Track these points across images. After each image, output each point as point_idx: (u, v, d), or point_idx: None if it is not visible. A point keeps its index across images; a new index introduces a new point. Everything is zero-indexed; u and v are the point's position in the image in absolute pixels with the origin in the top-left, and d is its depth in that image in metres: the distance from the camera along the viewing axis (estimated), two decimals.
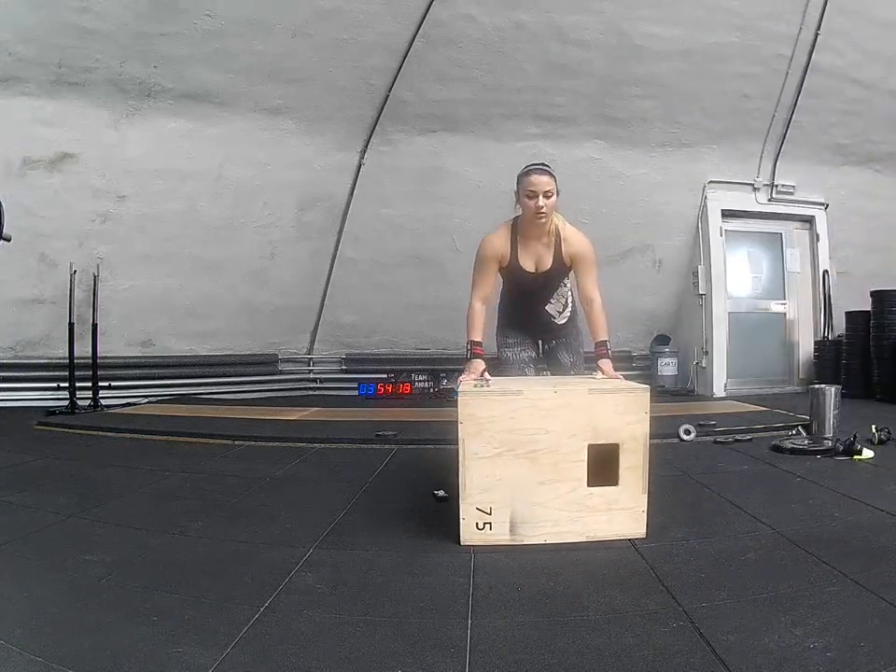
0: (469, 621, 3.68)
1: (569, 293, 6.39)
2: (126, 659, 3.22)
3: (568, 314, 6.43)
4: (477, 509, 4.85)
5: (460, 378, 5.78)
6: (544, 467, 4.86)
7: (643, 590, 4.08)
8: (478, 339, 6.03)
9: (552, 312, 6.31)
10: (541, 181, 5.70)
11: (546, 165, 5.87)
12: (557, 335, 6.49)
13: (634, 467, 4.91)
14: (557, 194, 5.79)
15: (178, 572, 4.43)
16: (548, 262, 6.01)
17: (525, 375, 6.37)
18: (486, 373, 5.76)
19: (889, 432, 8.29)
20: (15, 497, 6.33)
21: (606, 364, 5.89)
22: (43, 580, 4.24)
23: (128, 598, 3.98)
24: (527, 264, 6.03)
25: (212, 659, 3.22)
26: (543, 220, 5.80)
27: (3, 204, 7.37)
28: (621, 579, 4.26)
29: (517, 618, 3.74)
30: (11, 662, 3.15)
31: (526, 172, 5.81)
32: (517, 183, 5.88)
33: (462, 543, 4.83)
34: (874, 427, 8.34)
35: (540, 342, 6.56)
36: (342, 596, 4.06)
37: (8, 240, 7.55)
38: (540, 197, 5.68)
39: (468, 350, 6.01)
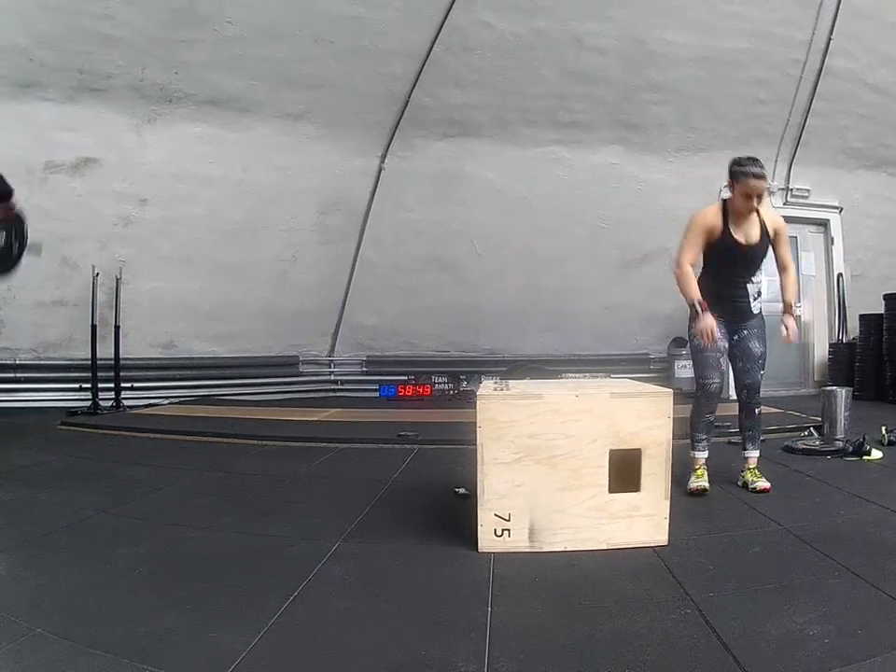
0: (490, 608, 3.83)
1: (761, 284, 6.65)
2: (161, 644, 3.38)
3: (760, 306, 6.68)
4: (495, 515, 4.80)
5: (697, 328, 6.19)
6: (565, 472, 4.80)
7: (654, 580, 4.24)
8: (698, 295, 6.23)
9: (752, 292, 6.55)
10: (761, 186, 6.05)
11: (762, 166, 6.12)
12: (750, 323, 6.66)
13: (656, 473, 4.88)
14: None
15: (209, 564, 4.58)
16: (756, 235, 6.31)
17: (719, 365, 6.60)
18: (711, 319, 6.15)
19: None
20: (45, 494, 6.51)
21: (790, 320, 6.57)
22: (78, 571, 4.41)
23: (161, 588, 4.14)
24: (739, 236, 6.28)
25: (245, 643, 3.37)
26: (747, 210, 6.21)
27: (25, 219, 7.33)
28: (633, 570, 4.41)
29: (534, 605, 3.89)
30: (50, 648, 3.30)
31: (748, 173, 6.05)
32: (733, 175, 6.16)
33: (480, 550, 4.79)
34: (883, 428, 8.44)
35: (735, 328, 6.68)
36: (367, 586, 4.21)
37: (39, 251, 7.59)
38: (755, 198, 6.08)
39: (697, 306, 6.20)
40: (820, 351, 15.64)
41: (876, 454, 7.74)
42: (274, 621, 3.66)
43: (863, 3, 12.57)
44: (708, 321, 6.02)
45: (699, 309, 6.10)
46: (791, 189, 15.17)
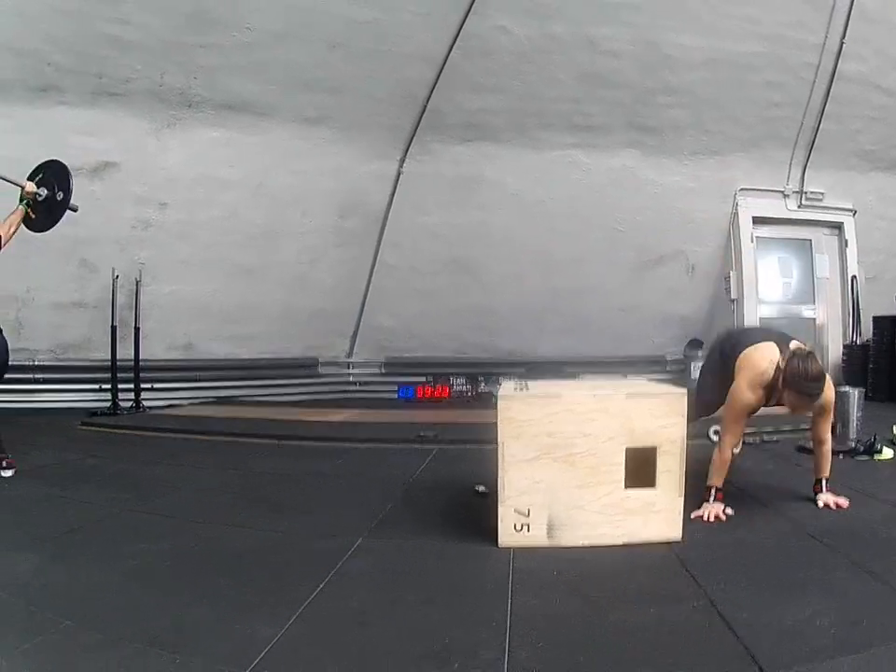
0: (510, 600, 3.95)
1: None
2: (190, 635, 3.51)
3: None
4: (515, 511, 4.91)
5: (704, 511, 5.69)
6: (582, 470, 4.91)
7: (668, 574, 4.36)
8: (719, 484, 5.84)
9: None
10: (809, 405, 5.69)
11: (821, 389, 5.61)
12: None
13: (671, 470, 4.97)
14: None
15: (235, 559, 4.71)
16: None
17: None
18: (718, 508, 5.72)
19: None
20: (69, 492, 6.63)
21: (828, 498, 5.89)
22: (105, 566, 4.52)
23: (188, 582, 4.27)
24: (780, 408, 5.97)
25: (274, 632, 3.50)
26: None
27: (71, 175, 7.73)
28: (648, 564, 4.53)
29: (553, 597, 4.02)
30: (80, 640, 3.42)
31: (804, 392, 5.53)
32: (791, 385, 5.53)
33: (500, 545, 4.89)
34: (895, 427, 8.54)
35: None
36: (391, 580, 4.33)
37: (76, 210, 7.86)
38: (804, 410, 5.80)
39: (712, 493, 5.78)
40: (834, 353, 15.64)
41: (888, 453, 7.83)
42: (301, 611, 3.78)
43: (874, 6, 12.59)
44: (716, 509, 5.70)
45: (712, 496, 5.79)
46: (806, 192, 15.20)
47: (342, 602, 3.94)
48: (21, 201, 7.48)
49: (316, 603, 3.92)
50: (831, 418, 6.03)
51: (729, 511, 5.67)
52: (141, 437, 10.15)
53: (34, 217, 7.58)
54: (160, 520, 5.66)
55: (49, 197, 7.59)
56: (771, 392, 5.76)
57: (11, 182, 7.53)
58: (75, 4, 10.80)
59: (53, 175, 7.70)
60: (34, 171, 7.76)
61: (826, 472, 6.03)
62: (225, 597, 4.00)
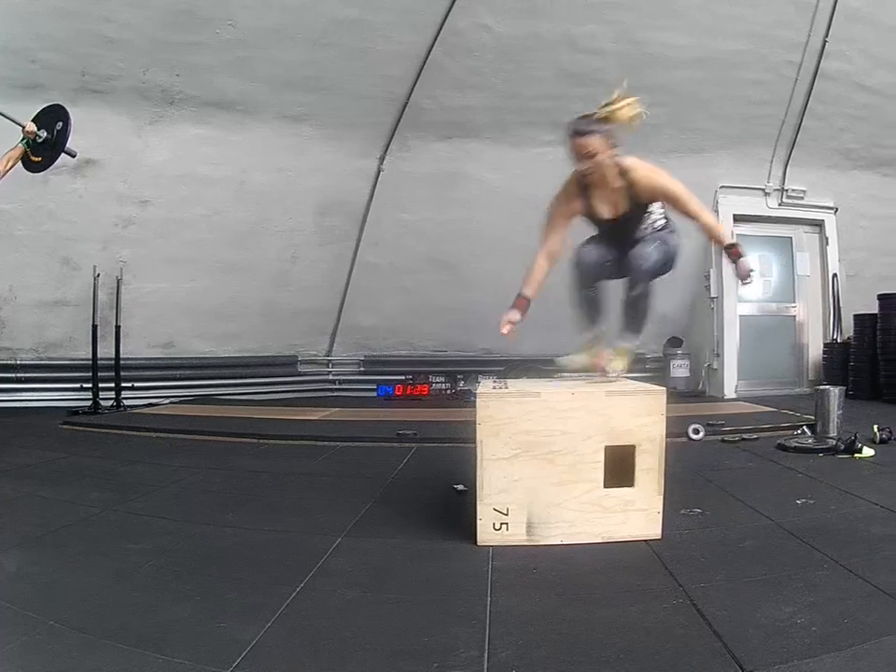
0: (489, 598, 3.96)
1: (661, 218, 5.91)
2: (173, 634, 3.49)
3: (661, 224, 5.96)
4: (494, 509, 4.92)
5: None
6: (561, 468, 4.91)
7: (647, 572, 4.36)
8: (526, 292, 5.99)
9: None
10: (577, 145, 5.46)
11: (583, 124, 5.48)
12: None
13: (650, 468, 4.96)
14: (611, 146, 5.50)
15: (217, 558, 4.70)
16: (624, 206, 5.75)
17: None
18: (514, 317, 5.89)
19: (890, 432, 8.47)
20: (52, 491, 6.61)
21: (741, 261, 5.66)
22: (89, 565, 4.50)
23: (171, 581, 4.26)
24: (604, 211, 5.84)
25: (254, 632, 3.49)
26: (595, 175, 5.60)
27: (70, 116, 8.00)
28: (627, 562, 4.53)
29: (532, 595, 4.02)
30: (64, 640, 3.40)
31: (568, 133, 5.50)
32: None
33: (479, 544, 4.89)
34: (875, 426, 8.53)
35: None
36: (371, 578, 4.33)
37: (74, 156, 8.19)
38: (582, 160, 5.50)
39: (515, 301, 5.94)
40: (815, 351, 15.68)
41: (868, 451, 7.83)
42: (282, 611, 3.78)
43: (858, 5, 12.61)
44: (507, 316, 5.85)
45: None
46: (787, 190, 15.22)
47: (322, 602, 3.94)
48: (21, 140, 7.64)
49: (298, 602, 3.92)
50: (685, 200, 5.64)
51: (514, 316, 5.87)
52: (122, 436, 10.12)
53: (34, 159, 7.80)
54: (142, 519, 5.66)
55: (49, 139, 7.79)
56: (576, 185, 5.81)
57: (12, 120, 7.71)
58: (62, 2, 10.79)
59: (55, 118, 7.91)
60: (37, 114, 7.93)
61: (727, 239, 5.88)
62: (208, 596, 4.00)
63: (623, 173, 5.62)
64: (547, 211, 6.06)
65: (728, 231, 5.45)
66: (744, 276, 5.69)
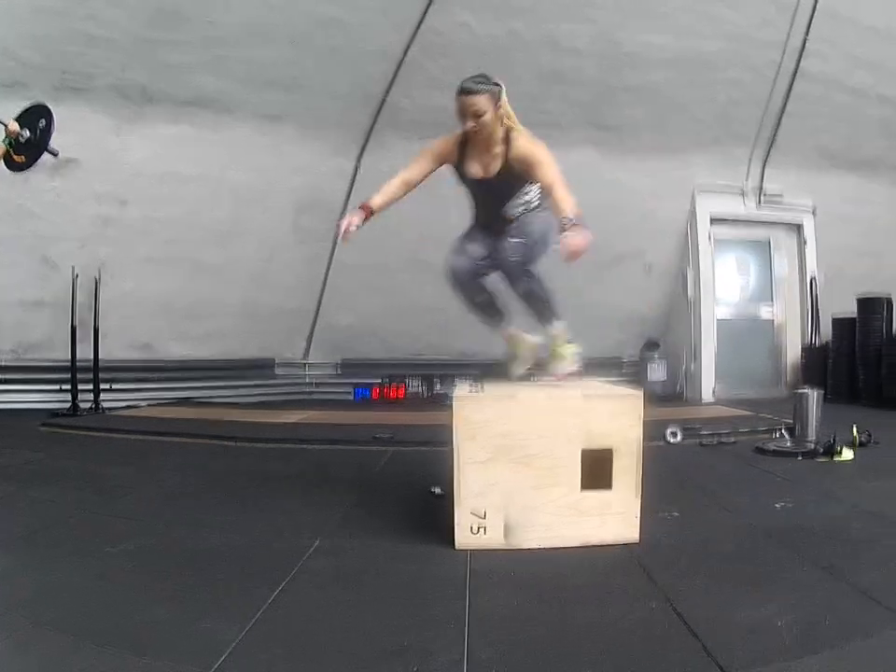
0: (467, 601, 3.94)
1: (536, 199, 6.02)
2: (153, 635, 3.46)
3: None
4: (471, 513, 4.90)
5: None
6: (538, 471, 4.89)
7: (625, 574, 4.34)
8: (373, 202, 5.95)
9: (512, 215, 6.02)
10: (465, 103, 5.52)
11: (477, 82, 5.56)
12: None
13: (627, 472, 4.94)
14: (498, 108, 5.58)
15: (197, 559, 4.67)
16: (495, 168, 5.81)
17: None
18: (355, 220, 5.80)
19: (869, 434, 8.51)
20: (32, 492, 6.57)
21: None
22: (69, 567, 4.47)
23: (152, 582, 4.23)
24: (474, 169, 5.93)
25: (235, 633, 3.47)
26: (480, 135, 5.69)
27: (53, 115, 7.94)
28: (605, 565, 4.52)
29: (511, 598, 4.00)
30: (44, 641, 3.37)
31: (457, 92, 5.54)
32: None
33: (457, 547, 4.87)
34: (854, 429, 8.53)
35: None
36: (349, 581, 4.30)
37: (56, 154, 8.06)
38: (469, 118, 5.56)
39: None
40: (793, 353, 15.74)
41: (847, 454, 7.84)
42: (262, 611, 3.77)
43: (838, 6, 12.67)
44: (351, 219, 5.77)
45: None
46: (765, 191, 15.27)
47: (301, 604, 3.92)
48: (3, 139, 7.65)
49: (277, 603, 3.91)
50: (545, 167, 5.63)
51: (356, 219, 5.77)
52: (101, 438, 10.11)
53: (17, 158, 7.79)
54: (124, 521, 5.61)
55: (32, 139, 7.78)
56: (456, 140, 5.89)
57: None
58: (46, 0, 10.76)
59: (37, 117, 7.89)
60: (21, 113, 7.93)
61: (566, 214, 5.56)
62: (188, 598, 3.98)
63: (508, 139, 5.72)
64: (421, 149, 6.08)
65: (573, 210, 5.20)
66: (567, 255, 5.45)
